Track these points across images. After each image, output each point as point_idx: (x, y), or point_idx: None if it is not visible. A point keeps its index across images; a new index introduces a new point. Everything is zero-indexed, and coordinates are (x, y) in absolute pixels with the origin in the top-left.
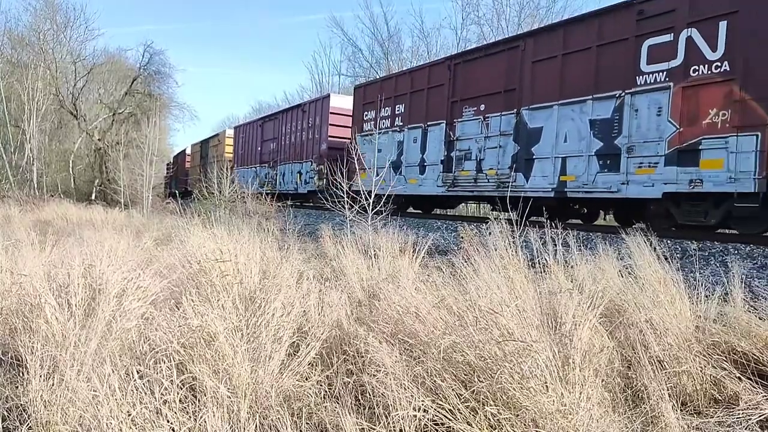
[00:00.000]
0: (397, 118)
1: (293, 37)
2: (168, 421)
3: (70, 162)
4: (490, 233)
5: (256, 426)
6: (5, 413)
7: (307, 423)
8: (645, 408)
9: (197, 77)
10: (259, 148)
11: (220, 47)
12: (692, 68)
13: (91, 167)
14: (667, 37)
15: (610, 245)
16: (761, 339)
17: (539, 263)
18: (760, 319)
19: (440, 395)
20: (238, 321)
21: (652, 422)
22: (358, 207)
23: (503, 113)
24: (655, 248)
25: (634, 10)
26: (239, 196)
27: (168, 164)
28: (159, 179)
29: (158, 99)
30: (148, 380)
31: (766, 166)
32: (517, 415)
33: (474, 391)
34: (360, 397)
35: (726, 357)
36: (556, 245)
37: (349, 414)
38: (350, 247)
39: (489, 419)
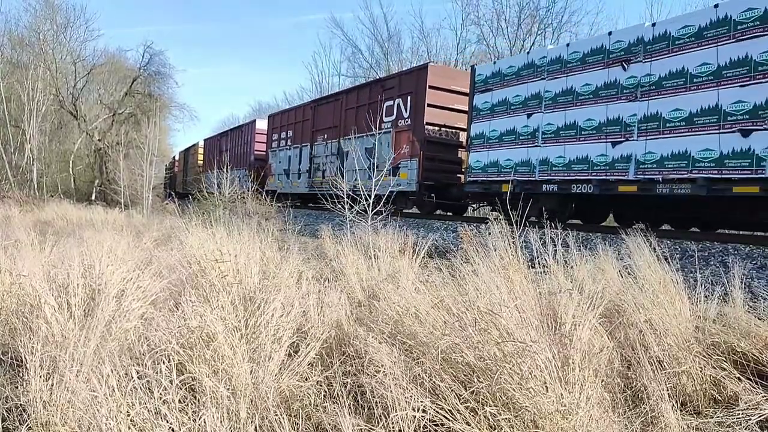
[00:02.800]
0: (288, 140)
1: (293, 37)
2: (167, 422)
3: (70, 162)
4: (489, 233)
5: (255, 426)
6: (5, 413)
7: (306, 423)
8: (645, 408)
9: (197, 78)
10: (218, 158)
11: (221, 48)
12: (399, 121)
13: (91, 167)
14: (391, 102)
15: (609, 246)
16: (761, 339)
17: (539, 263)
18: (759, 319)
19: (440, 396)
20: (237, 321)
21: (651, 422)
22: (359, 207)
23: (334, 140)
24: (654, 249)
25: (381, 84)
26: (239, 197)
27: (167, 165)
28: (159, 180)
29: (158, 99)
30: (147, 380)
31: (419, 176)
32: (517, 416)
33: (473, 391)
34: (359, 398)
35: (726, 357)
36: (555, 245)
37: (348, 415)
38: (350, 247)
39: (488, 419)
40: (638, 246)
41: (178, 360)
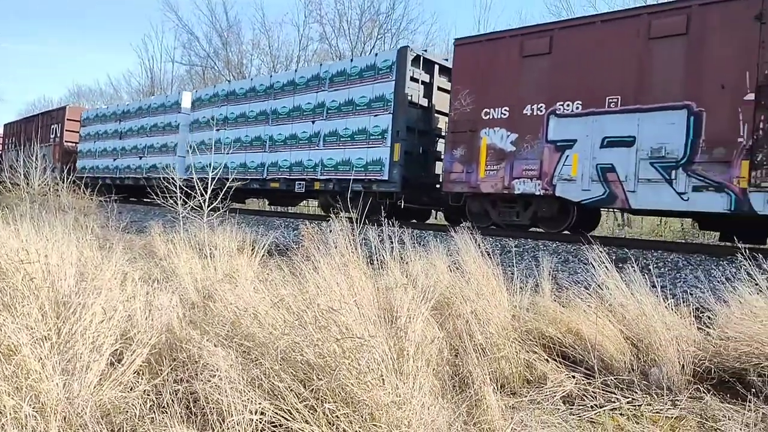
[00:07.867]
0: (15, 144)
1: (122, 18)
2: None
3: None
4: (330, 231)
5: None
6: None
7: None
8: (470, 392)
9: (3, 53)
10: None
11: (35, 22)
12: (56, 139)
13: None
14: (54, 126)
15: (440, 242)
16: (564, 324)
17: (377, 260)
18: (563, 306)
19: (279, 396)
20: (47, 330)
21: (476, 405)
22: (193, 203)
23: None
24: (479, 245)
25: (50, 114)
26: (50, 189)
27: None
28: None
29: None
30: None
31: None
32: (355, 411)
33: (313, 389)
34: (192, 405)
35: (537, 342)
36: (392, 242)
37: (179, 424)
38: (183, 245)
39: (327, 416)
40: (465, 243)
41: None
